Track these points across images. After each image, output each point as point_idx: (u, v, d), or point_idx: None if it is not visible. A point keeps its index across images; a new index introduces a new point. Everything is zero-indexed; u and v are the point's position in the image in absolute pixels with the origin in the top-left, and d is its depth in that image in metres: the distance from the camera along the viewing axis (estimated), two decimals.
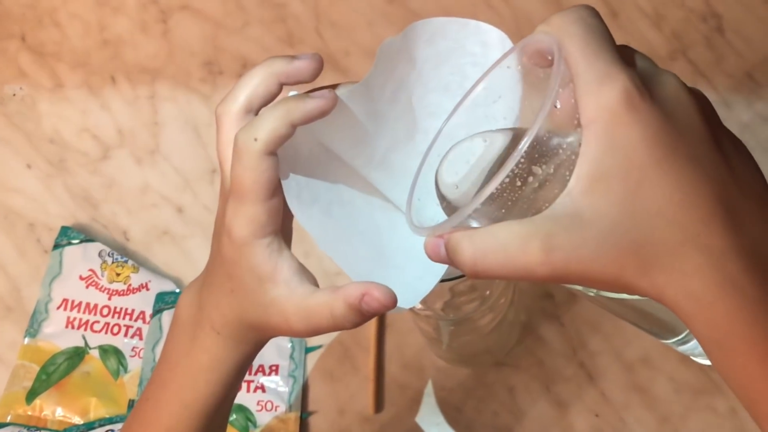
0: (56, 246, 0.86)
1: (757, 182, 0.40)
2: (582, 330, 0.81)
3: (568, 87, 0.39)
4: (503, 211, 0.40)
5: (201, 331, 0.49)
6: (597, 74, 0.38)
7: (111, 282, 0.85)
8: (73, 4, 0.97)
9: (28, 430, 0.80)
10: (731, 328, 0.38)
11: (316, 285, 0.47)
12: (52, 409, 0.81)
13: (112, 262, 0.85)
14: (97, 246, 0.86)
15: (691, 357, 0.51)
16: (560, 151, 0.39)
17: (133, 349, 0.83)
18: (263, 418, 0.80)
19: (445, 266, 0.48)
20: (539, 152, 0.39)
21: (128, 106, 0.93)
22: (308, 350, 0.82)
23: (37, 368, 0.82)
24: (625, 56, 0.40)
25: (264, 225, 0.45)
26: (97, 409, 0.81)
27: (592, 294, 0.47)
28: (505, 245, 0.39)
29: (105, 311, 0.84)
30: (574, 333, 0.81)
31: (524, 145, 0.38)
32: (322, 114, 0.45)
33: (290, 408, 0.80)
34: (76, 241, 0.86)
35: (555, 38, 0.39)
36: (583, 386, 0.80)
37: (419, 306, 0.69)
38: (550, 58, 0.40)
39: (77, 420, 0.81)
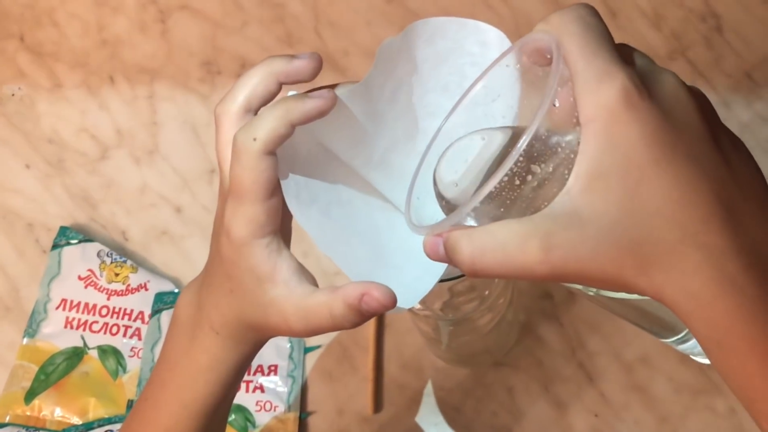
0: (55, 246, 0.86)
1: (757, 181, 0.40)
2: (581, 330, 0.81)
3: (566, 85, 0.39)
4: (502, 209, 0.40)
5: (200, 331, 0.49)
6: (596, 73, 0.38)
7: (110, 282, 0.85)
8: (71, 3, 0.97)
9: (26, 430, 0.80)
10: (730, 326, 0.38)
11: (316, 285, 0.47)
12: (50, 409, 0.81)
13: (111, 263, 0.85)
14: (95, 246, 0.86)
15: (691, 356, 0.51)
16: (559, 149, 0.39)
17: (131, 350, 0.83)
18: (262, 419, 0.80)
19: (444, 266, 0.48)
20: (538, 151, 0.39)
21: (127, 106, 0.93)
22: (307, 350, 0.82)
23: (35, 368, 0.82)
24: (624, 55, 0.40)
25: (263, 225, 0.45)
26: (96, 410, 0.81)
27: (591, 293, 0.47)
28: (504, 244, 0.39)
29: (104, 311, 0.84)
30: (573, 333, 0.81)
31: (523, 143, 0.38)
32: (322, 114, 0.45)
33: (289, 408, 0.80)
34: (75, 241, 0.86)
35: (554, 37, 0.39)
36: (583, 386, 0.80)
37: (418, 306, 0.69)
38: (549, 56, 0.40)
39: (76, 420, 0.81)
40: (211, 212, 0.86)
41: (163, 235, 0.88)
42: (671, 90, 0.39)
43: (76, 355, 0.83)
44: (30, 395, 0.81)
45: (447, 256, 0.41)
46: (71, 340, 0.83)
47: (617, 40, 0.40)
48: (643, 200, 0.38)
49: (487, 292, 0.70)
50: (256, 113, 0.47)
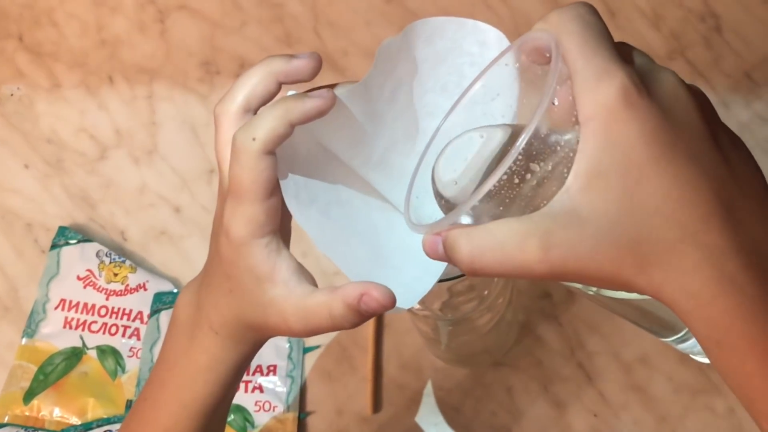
0: (54, 246, 0.86)
1: (756, 180, 0.40)
2: (580, 330, 0.81)
3: (565, 84, 0.39)
4: (501, 208, 0.40)
5: (199, 331, 0.49)
6: (595, 71, 0.38)
7: (108, 282, 0.85)
8: (70, 3, 0.97)
9: (25, 430, 0.80)
10: (729, 326, 0.38)
11: (315, 285, 0.47)
12: (49, 409, 0.81)
13: (110, 263, 0.85)
14: (94, 246, 0.86)
15: (691, 355, 0.51)
16: (558, 148, 0.39)
17: (130, 350, 0.83)
18: (261, 419, 0.80)
19: (443, 266, 0.48)
20: (537, 149, 0.39)
21: (126, 106, 0.93)
22: (306, 350, 0.82)
23: (34, 368, 0.82)
24: (624, 53, 0.40)
25: (262, 225, 0.45)
26: (95, 410, 0.81)
27: (591, 292, 0.47)
28: (503, 243, 0.39)
29: (103, 311, 0.84)
30: (572, 333, 0.81)
31: (522, 141, 0.38)
32: (321, 114, 0.45)
33: (288, 408, 0.80)
34: (74, 241, 0.86)
35: (553, 35, 0.39)
36: (582, 386, 0.80)
37: (417, 306, 0.69)
38: (548, 55, 0.40)
39: (75, 420, 0.81)
40: (210, 212, 0.86)
41: (162, 235, 0.88)
42: (671, 88, 0.39)
43: (74, 355, 0.83)
44: (29, 395, 0.81)
45: (446, 254, 0.41)
46: (70, 340, 0.83)
47: (616, 40, 0.40)
48: (642, 199, 0.38)
49: (486, 292, 0.70)
50: (255, 113, 0.47)
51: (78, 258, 0.85)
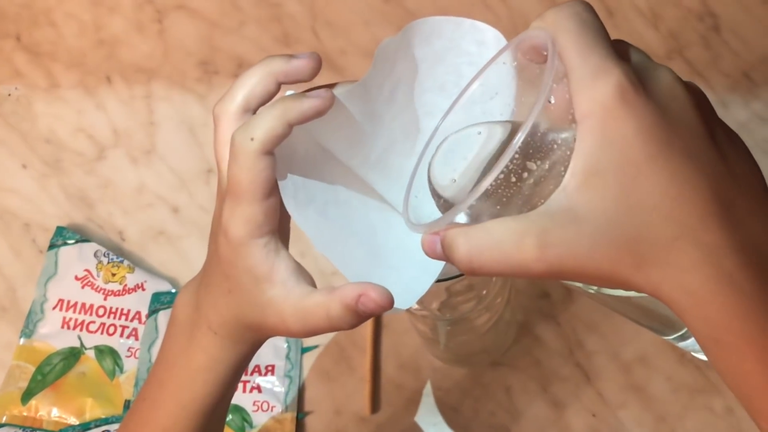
0: (51, 246, 0.86)
1: (755, 177, 0.40)
2: (579, 330, 0.81)
3: (562, 82, 0.39)
4: (498, 207, 0.40)
5: (198, 331, 0.49)
6: (591, 69, 0.38)
7: (107, 282, 0.85)
8: (68, 3, 0.97)
9: (23, 430, 0.80)
10: (727, 323, 0.38)
11: (314, 285, 0.47)
12: (47, 409, 0.81)
13: (108, 263, 0.85)
14: (92, 246, 0.86)
15: (692, 353, 0.51)
16: (555, 146, 0.39)
17: (128, 350, 0.83)
18: (259, 419, 0.80)
19: (442, 266, 0.48)
20: (534, 148, 0.39)
21: (124, 106, 0.93)
22: (304, 350, 0.82)
23: (32, 369, 0.82)
24: (620, 51, 0.40)
25: (261, 225, 0.45)
26: (93, 410, 0.81)
27: (592, 291, 0.47)
28: (500, 242, 0.39)
29: (101, 311, 0.84)
30: (570, 333, 0.81)
31: (518, 140, 0.38)
32: (319, 113, 0.45)
33: (286, 408, 0.80)
34: (72, 241, 0.86)
35: (549, 34, 0.39)
36: (580, 386, 0.80)
37: (416, 306, 0.69)
38: (544, 53, 0.40)
39: (73, 420, 0.81)
40: (208, 212, 0.86)
41: (160, 235, 0.88)
42: (667, 86, 0.39)
43: (72, 355, 0.83)
44: (27, 395, 0.81)
45: (444, 254, 0.41)
46: (68, 340, 0.83)
47: (614, 39, 0.40)
48: (639, 197, 0.38)
49: (484, 292, 0.70)
50: (254, 113, 0.47)
51: (76, 258, 0.85)
